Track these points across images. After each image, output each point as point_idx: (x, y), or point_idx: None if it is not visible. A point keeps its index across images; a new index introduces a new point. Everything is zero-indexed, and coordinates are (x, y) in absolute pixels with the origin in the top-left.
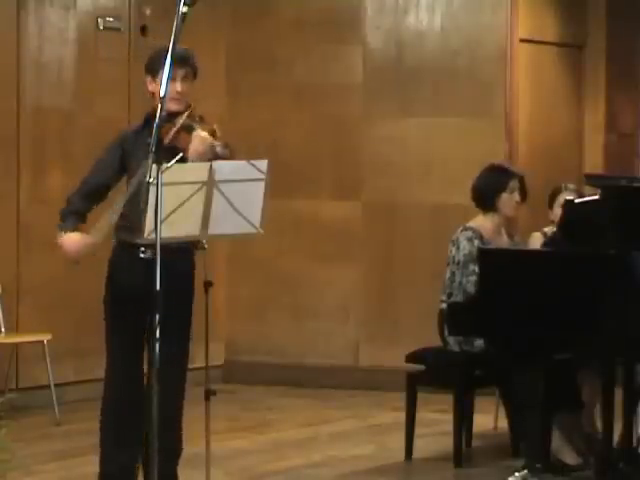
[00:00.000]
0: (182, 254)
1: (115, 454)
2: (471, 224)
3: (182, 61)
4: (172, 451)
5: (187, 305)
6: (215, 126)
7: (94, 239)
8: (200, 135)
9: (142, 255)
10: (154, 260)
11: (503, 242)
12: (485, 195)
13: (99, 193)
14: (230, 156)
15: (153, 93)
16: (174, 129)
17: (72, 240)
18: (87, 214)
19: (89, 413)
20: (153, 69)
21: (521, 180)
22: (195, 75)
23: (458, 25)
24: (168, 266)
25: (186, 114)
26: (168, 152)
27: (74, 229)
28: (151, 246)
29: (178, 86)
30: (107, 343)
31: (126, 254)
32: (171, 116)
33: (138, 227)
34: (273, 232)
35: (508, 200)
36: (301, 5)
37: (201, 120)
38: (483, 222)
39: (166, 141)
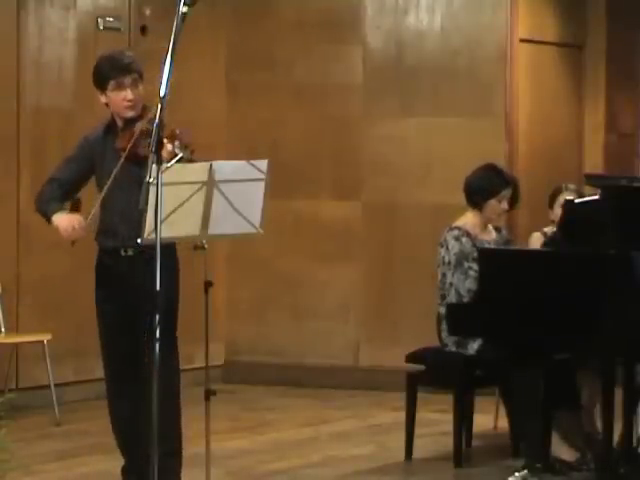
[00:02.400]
0: (163, 250)
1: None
2: (457, 223)
3: (127, 69)
4: (170, 449)
5: (169, 301)
6: (173, 127)
7: (86, 221)
8: (167, 150)
9: (123, 253)
10: (137, 257)
11: (491, 237)
12: (475, 195)
13: (70, 187)
14: (191, 157)
15: (107, 104)
16: (134, 137)
17: (64, 218)
18: (64, 202)
19: (89, 413)
20: (100, 83)
21: (514, 187)
22: (142, 78)
23: (458, 25)
24: (148, 262)
25: (145, 120)
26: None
27: (59, 210)
28: (131, 245)
29: (129, 94)
30: (102, 352)
31: (107, 258)
32: (128, 123)
33: (114, 230)
34: (273, 232)
35: (495, 207)
36: (301, 5)
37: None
38: (469, 219)
39: (128, 146)
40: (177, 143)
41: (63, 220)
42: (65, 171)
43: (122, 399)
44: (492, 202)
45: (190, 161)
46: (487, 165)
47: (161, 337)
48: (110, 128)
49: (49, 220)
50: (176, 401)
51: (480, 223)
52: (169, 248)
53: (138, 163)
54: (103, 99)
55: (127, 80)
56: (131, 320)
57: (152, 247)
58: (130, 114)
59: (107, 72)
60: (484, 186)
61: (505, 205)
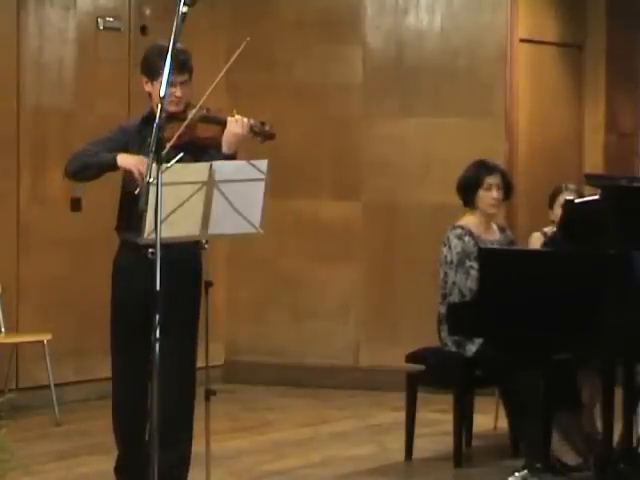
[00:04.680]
0: (190, 253)
1: (126, 452)
2: (459, 222)
3: (181, 67)
4: (175, 452)
5: (193, 305)
6: (234, 111)
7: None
8: (236, 118)
9: (150, 256)
10: (162, 261)
11: (495, 237)
12: (464, 192)
13: None
14: (271, 131)
15: (149, 93)
16: (183, 126)
17: (131, 157)
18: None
19: (89, 413)
20: (150, 71)
21: (502, 174)
22: (192, 76)
23: (458, 25)
24: (177, 266)
25: (195, 110)
26: (178, 152)
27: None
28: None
29: (178, 91)
30: (111, 348)
31: (131, 255)
32: (171, 117)
33: (139, 223)
34: (273, 232)
35: (484, 197)
36: (301, 5)
37: (208, 111)
38: (471, 219)
39: (172, 142)
40: (256, 123)
41: (132, 158)
42: (99, 145)
43: (130, 399)
44: (480, 193)
45: (270, 137)
46: (471, 162)
47: (182, 340)
48: (149, 120)
49: (109, 165)
50: (184, 403)
51: (481, 222)
52: (195, 254)
53: (194, 146)
54: (147, 87)
55: (179, 78)
56: (146, 322)
57: (178, 251)
58: (173, 109)
59: (161, 65)
60: (468, 180)
61: (495, 193)
